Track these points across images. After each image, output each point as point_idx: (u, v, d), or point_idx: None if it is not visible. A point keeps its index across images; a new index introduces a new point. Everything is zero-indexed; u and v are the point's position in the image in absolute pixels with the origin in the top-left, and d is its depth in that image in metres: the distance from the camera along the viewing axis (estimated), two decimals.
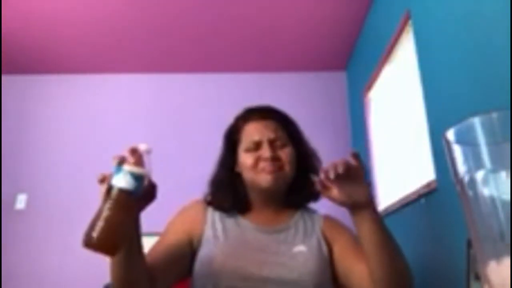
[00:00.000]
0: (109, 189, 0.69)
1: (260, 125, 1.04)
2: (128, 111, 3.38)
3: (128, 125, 3.33)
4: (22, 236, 3.01)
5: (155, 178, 0.80)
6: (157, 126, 3.33)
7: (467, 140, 0.35)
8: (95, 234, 0.66)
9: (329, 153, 3.65)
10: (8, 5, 2.64)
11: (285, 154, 1.02)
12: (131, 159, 0.71)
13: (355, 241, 1.01)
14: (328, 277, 0.96)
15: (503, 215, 0.32)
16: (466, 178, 0.35)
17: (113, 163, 0.70)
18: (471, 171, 0.34)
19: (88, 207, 3.51)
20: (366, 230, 0.84)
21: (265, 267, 0.91)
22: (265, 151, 1.00)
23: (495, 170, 0.33)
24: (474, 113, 0.35)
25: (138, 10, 2.72)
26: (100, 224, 0.66)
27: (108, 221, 0.66)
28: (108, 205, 0.67)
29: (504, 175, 0.33)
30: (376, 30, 2.67)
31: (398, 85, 2.37)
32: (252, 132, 1.04)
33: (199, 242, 0.98)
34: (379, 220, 0.86)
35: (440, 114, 1.73)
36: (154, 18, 2.81)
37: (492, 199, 0.33)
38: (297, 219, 1.05)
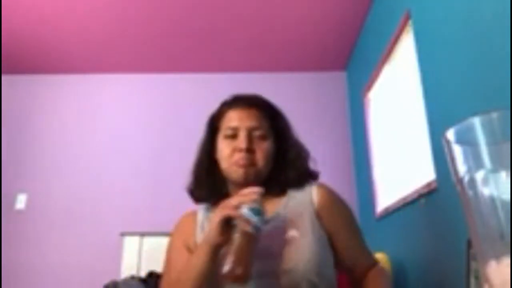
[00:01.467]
0: (230, 223, 0.78)
1: (242, 112, 1.00)
2: (128, 111, 3.38)
3: (128, 125, 3.34)
4: (22, 236, 3.01)
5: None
6: (157, 125, 3.33)
7: (467, 140, 0.35)
8: (237, 267, 0.73)
9: (329, 153, 3.64)
10: (8, 6, 2.65)
11: (262, 148, 0.97)
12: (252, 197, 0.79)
13: (355, 228, 0.98)
14: (327, 260, 0.90)
15: (503, 215, 0.32)
16: (466, 178, 0.35)
17: (243, 202, 0.77)
18: (471, 171, 0.34)
19: (87, 207, 3.51)
20: None
21: (256, 261, 0.83)
22: (241, 142, 0.95)
23: (495, 170, 0.33)
24: (474, 113, 0.35)
25: (138, 11, 2.72)
26: (237, 257, 0.74)
27: (243, 253, 0.75)
28: (242, 239, 0.75)
29: (504, 175, 0.33)
30: (376, 30, 2.67)
31: (398, 85, 2.37)
32: (232, 118, 0.99)
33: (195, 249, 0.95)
34: None
35: (440, 114, 1.74)
36: (154, 19, 2.81)
37: (492, 199, 0.33)
38: (285, 202, 0.98)
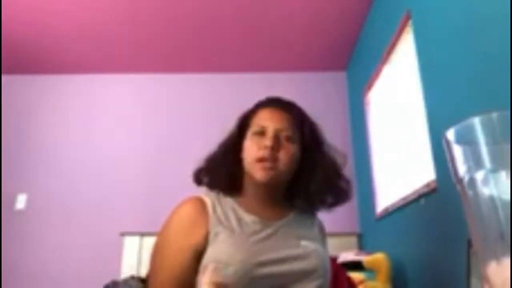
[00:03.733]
0: None
1: (273, 112, 1.03)
2: (128, 111, 3.38)
3: (128, 125, 3.34)
4: (22, 236, 3.01)
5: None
6: (157, 126, 3.33)
7: (467, 140, 0.35)
8: None
9: None
10: (8, 6, 2.64)
11: (286, 149, 0.99)
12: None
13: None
14: (329, 276, 0.97)
15: (503, 215, 0.32)
16: (466, 178, 0.35)
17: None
18: (471, 171, 0.34)
19: (87, 207, 3.50)
20: None
21: (285, 262, 0.90)
22: (267, 139, 0.98)
23: (495, 170, 0.33)
24: (474, 113, 0.35)
25: (137, 11, 2.72)
26: None
27: None
28: None
29: (504, 175, 0.33)
30: (376, 30, 2.67)
31: (398, 85, 2.37)
32: (263, 117, 1.03)
33: (207, 242, 0.90)
34: None
35: (440, 114, 1.73)
36: (154, 19, 2.81)
37: (492, 199, 0.33)
38: (295, 215, 1.04)
